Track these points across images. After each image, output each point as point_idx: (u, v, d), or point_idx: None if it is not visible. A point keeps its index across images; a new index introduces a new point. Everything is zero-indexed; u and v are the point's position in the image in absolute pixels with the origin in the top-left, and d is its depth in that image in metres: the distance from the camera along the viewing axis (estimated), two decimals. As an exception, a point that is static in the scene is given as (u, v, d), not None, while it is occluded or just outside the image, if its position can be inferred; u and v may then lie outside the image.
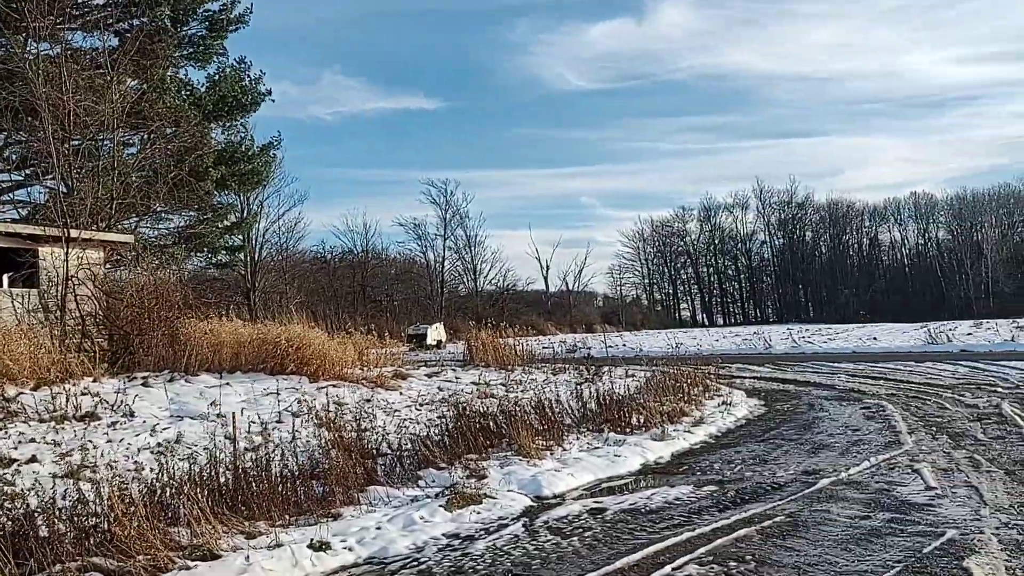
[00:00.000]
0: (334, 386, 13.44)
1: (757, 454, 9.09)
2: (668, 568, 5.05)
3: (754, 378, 18.57)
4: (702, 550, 5.41)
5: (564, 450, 9.21)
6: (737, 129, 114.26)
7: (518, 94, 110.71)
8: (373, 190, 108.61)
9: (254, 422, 10.23)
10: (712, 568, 5.04)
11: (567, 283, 78.17)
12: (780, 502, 6.71)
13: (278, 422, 10.49)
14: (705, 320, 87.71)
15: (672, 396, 12.36)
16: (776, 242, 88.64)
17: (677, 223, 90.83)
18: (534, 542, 5.85)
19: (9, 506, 5.67)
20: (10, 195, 25.71)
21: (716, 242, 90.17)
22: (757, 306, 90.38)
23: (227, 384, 12.67)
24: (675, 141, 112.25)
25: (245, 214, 38.05)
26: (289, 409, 11.23)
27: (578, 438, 9.90)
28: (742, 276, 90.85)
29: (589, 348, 27.35)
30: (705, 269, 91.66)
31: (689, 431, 10.57)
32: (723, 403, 12.96)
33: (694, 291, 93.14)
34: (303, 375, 14.02)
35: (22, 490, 5.85)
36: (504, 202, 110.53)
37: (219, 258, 37.16)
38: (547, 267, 77.21)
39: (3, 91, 18.41)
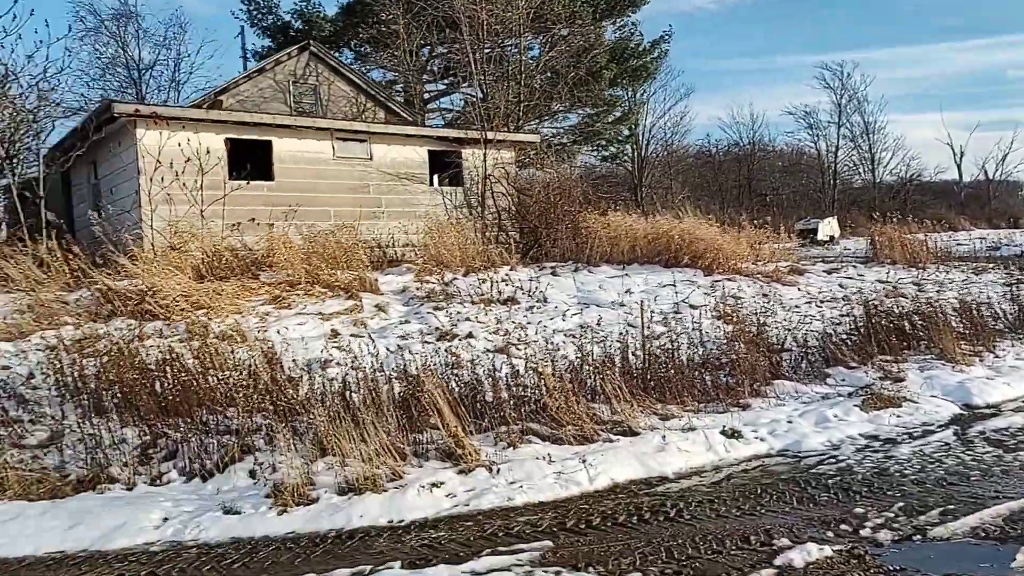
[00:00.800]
0: (729, 279, 13.37)
1: None
2: None
3: None
4: None
5: (996, 357, 8.27)
6: None
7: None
8: (760, 79, 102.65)
9: (653, 311, 10.59)
10: None
11: (986, 172, 67.93)
12: None
13: (676, 313, 10.77)
14: None
15: None
16: None
17: None
18: (970, 452, 5.35)
19: (459, 373, 6.59)
20: (436, 103, 29.05)
21: None
22: None
23: (626, 275, 13.25)
24: None
25: (631, 107, 38.70)
26: (686, 300, 11.44)
27: (1013, 345, 8.81)
28: None
29: (1020, 245, 23.68)
30: None
31: None
32: None
33: None
34: (697, 268, 14.13)
35: (471, 359, 6.75)
36: (909, 83, 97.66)
37: (609, 151, 38.45)
38: (961, 154, 67.70)
39: (429, 8, 20.59)
